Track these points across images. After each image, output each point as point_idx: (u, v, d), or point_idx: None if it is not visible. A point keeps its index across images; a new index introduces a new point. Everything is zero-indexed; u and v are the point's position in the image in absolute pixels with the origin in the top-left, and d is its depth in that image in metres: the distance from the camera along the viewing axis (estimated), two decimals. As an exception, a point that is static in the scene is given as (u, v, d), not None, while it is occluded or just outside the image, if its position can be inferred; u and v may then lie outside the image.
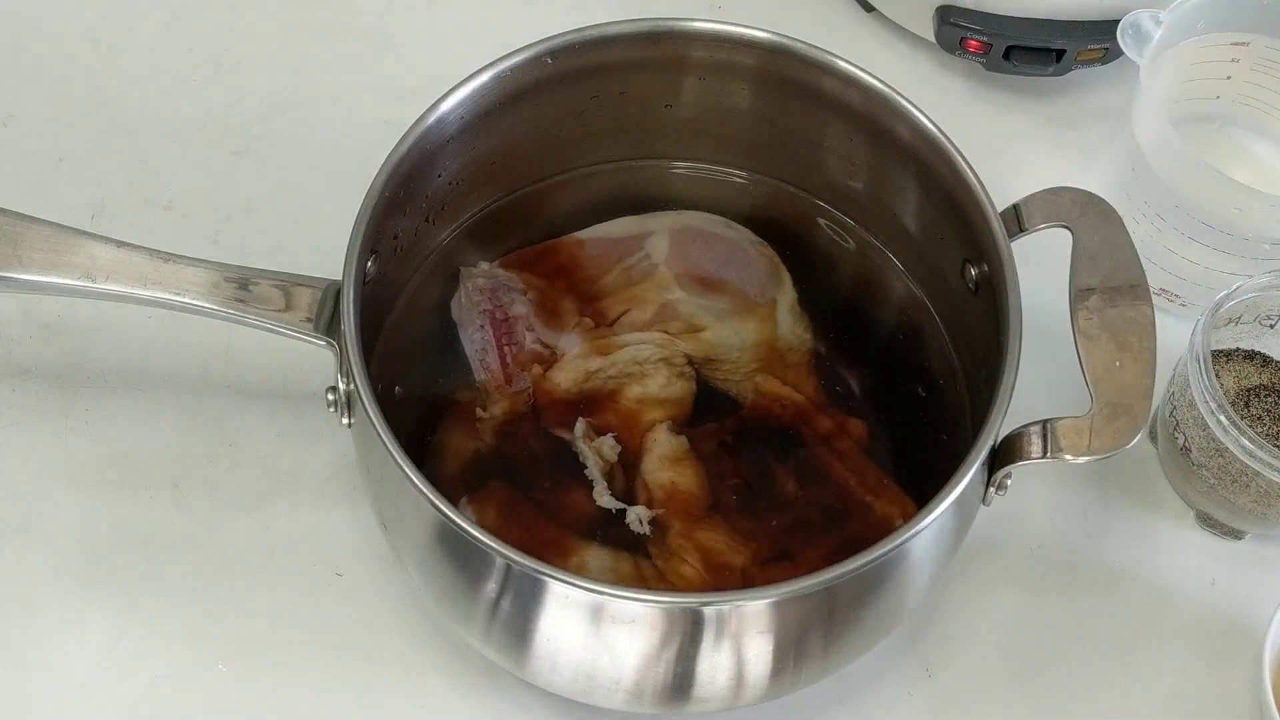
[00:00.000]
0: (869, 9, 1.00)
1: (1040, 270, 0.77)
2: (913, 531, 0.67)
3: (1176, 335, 0.82)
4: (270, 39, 0.98)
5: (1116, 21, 0.87)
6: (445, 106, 0.76)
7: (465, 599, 0.69)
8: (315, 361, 0.82)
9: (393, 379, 0.78)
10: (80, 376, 0.85)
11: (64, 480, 0.82)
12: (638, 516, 0.75)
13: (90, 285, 0.74)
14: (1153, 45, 0.85)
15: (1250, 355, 0.84)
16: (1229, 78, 0.92)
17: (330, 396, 0.72)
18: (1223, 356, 0.84)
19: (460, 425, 0.78)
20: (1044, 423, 0.70)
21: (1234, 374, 0.84)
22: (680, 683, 0.68)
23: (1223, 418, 0.77)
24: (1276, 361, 0.84)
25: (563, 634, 0.67)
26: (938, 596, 0.80)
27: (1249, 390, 0.83)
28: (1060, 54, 0.93)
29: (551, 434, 0.78)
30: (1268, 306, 0.82)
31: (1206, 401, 0.77)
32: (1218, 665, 0.80)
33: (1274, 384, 0.84)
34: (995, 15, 0.93)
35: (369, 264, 0.73)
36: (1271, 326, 0.84)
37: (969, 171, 0.75)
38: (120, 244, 0.75)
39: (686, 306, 0.82)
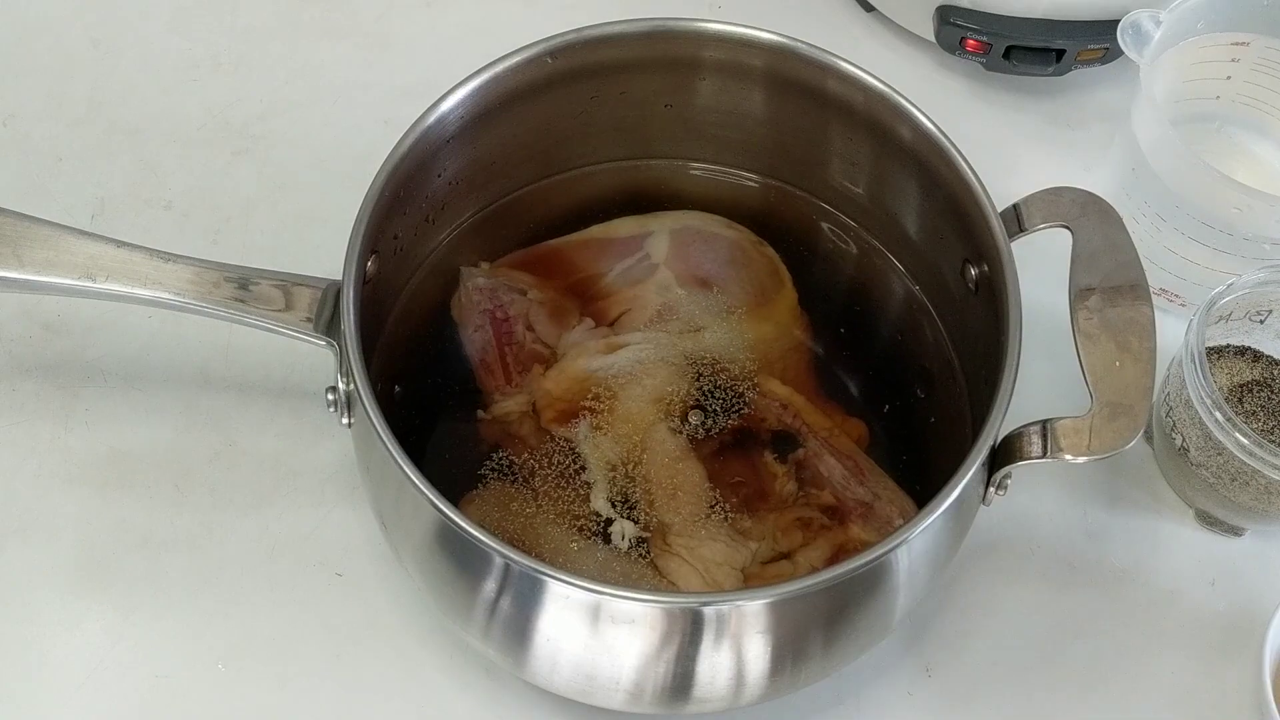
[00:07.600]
0: (869, 9, 1.00)
1: (1040, 270, 0.77)
2: (912, 531, 0.67)
3: (1176, 335, 0.82)
4: (270, 39, 0.98)
5: (1116, 21, 0.87)
6: (445, 106, 0.76)
7: (465, 599, 0.69)
8: (315, 361, 0.82)
9: (393, 379, 0.78)
10: (80, 376, 0.85)
11: (64, 480, 0.82)
12: (622, 531, 0.75)
13: (90, 285, 0.74)
14: (1153, 45, 0.85)
15: (1241, 351, 0.84)
16: (1229, 78, 0.92)
17: (330, 396, 0.72)
18: (1214, 353, 0.84)
19: (460, 425, 0.78)
20: (1044, 423, 0.70)
21: (1226, 370, 0.84)
22: (680, 683, 0.68)
23: (1219, 415, 0.77)
24: (1267, 357, 0.84)
25: (562, 634, 0.67)
26: (938, 596, 0.80)
27: (1241, 386, 0.83)
28: (1060, 54, 0.93)
29: (551, 434, 0.78)
30: (1258, 302, 0.82)
31: (1203, 399, 0.77)
32: (1218, 665, 0.80)
33: (1266, 379, 0.84)
34: (995, 15, 0.93)
35: (369, 264, 0.73)
36: (1261, 321, 0.84)
37: (969, 171, 0.75)
38: (120, 244, 0.75)
39: (686, 306, 0.82)
